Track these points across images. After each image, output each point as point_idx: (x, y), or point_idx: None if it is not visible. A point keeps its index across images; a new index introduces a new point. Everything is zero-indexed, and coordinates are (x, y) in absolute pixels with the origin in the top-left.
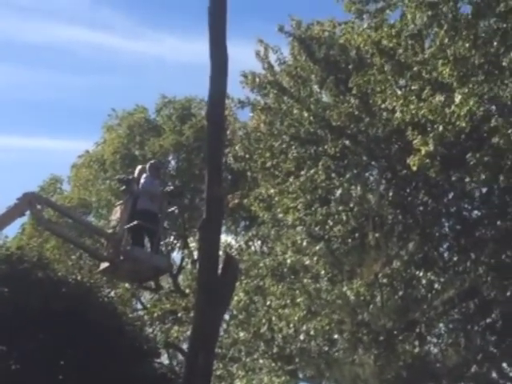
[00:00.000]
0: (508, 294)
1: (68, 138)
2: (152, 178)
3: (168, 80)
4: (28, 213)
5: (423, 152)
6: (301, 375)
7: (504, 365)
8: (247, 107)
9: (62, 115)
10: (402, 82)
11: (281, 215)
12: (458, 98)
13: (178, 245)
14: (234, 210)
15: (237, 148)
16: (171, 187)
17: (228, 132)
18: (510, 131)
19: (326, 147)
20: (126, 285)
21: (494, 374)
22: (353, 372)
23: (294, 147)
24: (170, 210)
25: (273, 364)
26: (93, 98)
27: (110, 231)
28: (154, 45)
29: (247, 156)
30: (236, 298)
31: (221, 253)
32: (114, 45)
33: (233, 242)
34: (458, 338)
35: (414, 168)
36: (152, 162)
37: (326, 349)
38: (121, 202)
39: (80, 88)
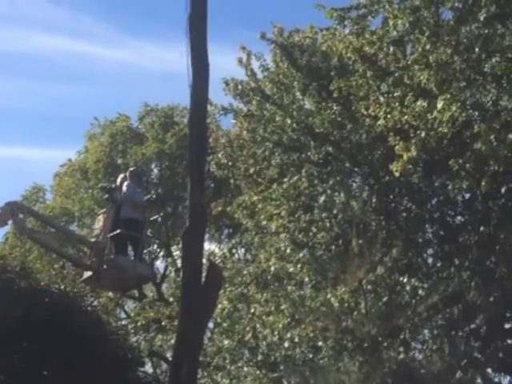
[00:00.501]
0: (492, 299)
1: (50, 147)
2: (134, 185)
3: (150, 89)
4: (10, 222)
5: (405, 158)
6: (285, 383)
7: (489, 370)
8: (230, 114)
9: (43, 124)
10: (384, 88)
11: (264, 222)
12: (439, 104)
13: (162, 253)
14: (217, 217)
15: (219, 155)
16: (153, 196)
17: (211, 139)
18: (492, 137)
19: (309, 154)
20: (110, 294)
21: (478, 380)
22: (338, 379)
23: (277, 154)
24: (152, 219)
25: (257, 372)
26: (74, 107)
27: (93, 240)
28: (135, 53)
29: (230, 163)
30: (220, 305)
31: (204, 261)
32: (94, 53)
33: (216, 250)
34: (443, 344)
35: (397, 174)
36: (132, 169)
37: (311, 356)
38: (104, 210)
39: (61, 97)
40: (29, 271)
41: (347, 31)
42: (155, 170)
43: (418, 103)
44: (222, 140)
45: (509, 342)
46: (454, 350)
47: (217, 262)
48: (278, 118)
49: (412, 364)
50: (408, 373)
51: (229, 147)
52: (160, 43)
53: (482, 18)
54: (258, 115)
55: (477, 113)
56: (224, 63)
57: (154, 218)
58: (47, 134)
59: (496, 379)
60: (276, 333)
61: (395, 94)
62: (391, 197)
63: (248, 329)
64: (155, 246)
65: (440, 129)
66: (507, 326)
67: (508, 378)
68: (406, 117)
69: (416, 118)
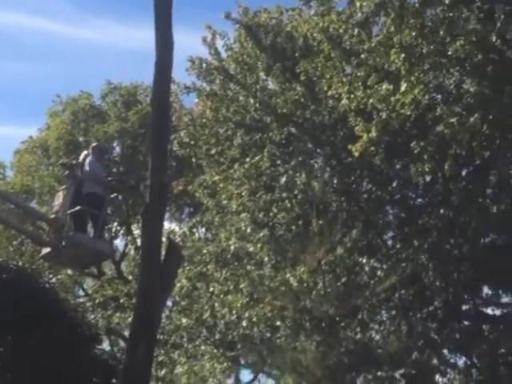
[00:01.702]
0: (449, 281)
1: (11, 124)
2: (95, 160)
3: (113, 67)
4: None
5: (365, 138)
6: (242, 361)
7: (445, 351)
8: (193, 93)
9: (4, 101)
10: (348, 70)
11: (225, 202)
12: (403, 86)
13: (122, 231)
14: (178, 196)
15: (182, 134)
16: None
17: (173, 118)
18: (454, 120)
19: (271, 134)
20: (69, 271)
21: (434, 360)
22: (294, 358)
23: (239, 134)
24: (112, 196)
25: (215, 350)
26: (36, 85)
27: (53, 216)
28: (98, 32)
29: (192, 142)
30: (179, 284)
31: (164, 239)
32: (55, 31)
33: (177, 229)
34: (400, 325)
35: (356, 154)
36: (94, 144)
37: (269, 335)
38: (64, 187)
39: (23, 74)
40: None
41: (313, 12)
42: (117, 148)
43: (384, 86)
44: (185, 119)
45: (465, 323)
46: (410, 331)
47: (177, 240)
48: (241, 98)
49: (369, 344)
50: (365, 353)
51: (191, 126)
52: (123, 22)
53: (447, 1)
54: (221, 94)
55: (440, 96)
56: (188, 44)
57: (114, 195)
58: (7, 110)
59: (452, 360)
60: (234, 312)
61: (358, 74)
62: (352, 178)
63: (206, 307)
64: (115, 224)
65: (402, 111)
66: (464, 307)
67: (464, 358)
68: (371, 100)
69: (380, 102)
